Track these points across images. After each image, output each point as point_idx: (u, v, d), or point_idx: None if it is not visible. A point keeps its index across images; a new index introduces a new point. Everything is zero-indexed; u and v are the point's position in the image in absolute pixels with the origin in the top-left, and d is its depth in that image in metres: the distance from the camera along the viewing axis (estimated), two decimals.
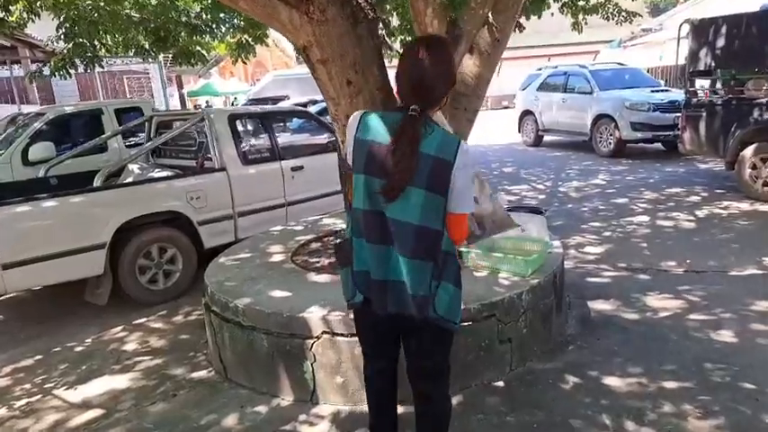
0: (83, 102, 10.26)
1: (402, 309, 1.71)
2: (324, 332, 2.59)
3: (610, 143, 9.81)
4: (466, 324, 2.60)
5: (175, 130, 4.79)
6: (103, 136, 5.51)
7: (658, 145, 9.97)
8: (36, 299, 4.63)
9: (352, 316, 2.11)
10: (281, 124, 5.46)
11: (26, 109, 9.00)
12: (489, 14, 3.04)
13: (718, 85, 7.02)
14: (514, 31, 3.30)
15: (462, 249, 3.12)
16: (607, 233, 5.37)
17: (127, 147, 6.32)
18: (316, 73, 2.74)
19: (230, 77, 28.83)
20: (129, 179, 4.82)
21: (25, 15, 6.87)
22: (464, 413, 2.51)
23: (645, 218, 5.80)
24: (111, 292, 4.07)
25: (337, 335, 2.57)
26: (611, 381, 2.73)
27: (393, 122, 1.65)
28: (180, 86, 22.57)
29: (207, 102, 23.19)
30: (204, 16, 7.11)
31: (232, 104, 21.35)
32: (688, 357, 2.94)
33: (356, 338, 2.13)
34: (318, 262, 3.41)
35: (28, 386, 3.17)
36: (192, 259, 4.41)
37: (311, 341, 2.61)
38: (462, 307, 1.85)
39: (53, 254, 3.74)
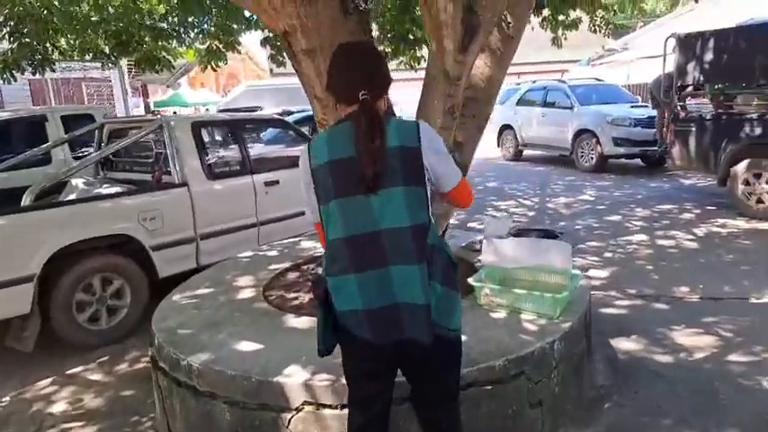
0: (25, 108, 9.36)
1: (415, 333, 1.51)
2: (306, 402, 1.98)
3: (591, 158, 9.60)
4: (490, 387, 2.04)
5: (127, 139, 4.11)
6: (44, 146, 4.76)
7: (638, 161, 9.79)
8: None
9: (343, 381, 1.71)
10: (254, 134, 4.85)
11: None
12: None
13: (706, 100, 6.81)
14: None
15: (474, 284, 2.56)
16: (608, 254, 4.95)
17: (75, 158, 5.57)
18: (300, 67, 2.17)
19: (200, 88, 27.79)
20: (72, 196, 4.10)
21: None
22: None
23: (643, 237, 5.47)
24: (39, 334, 3.34)
25: (324, 406, 1.96)
26: None
27: (346, 130, 1.53)
28: (146, 96, 21.59)
29: (174, 113, 22.19)
30: (170, 19, 6.53)
31: None
32: (746, 414, 2.45)
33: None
34: (297, 298, 2.81)
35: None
36: (142, 292, 3.72)
37: (288, 415, 1.99)
38: (485, 364, 1.75)
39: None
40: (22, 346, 3.30)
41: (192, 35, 7.09)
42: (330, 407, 1.95)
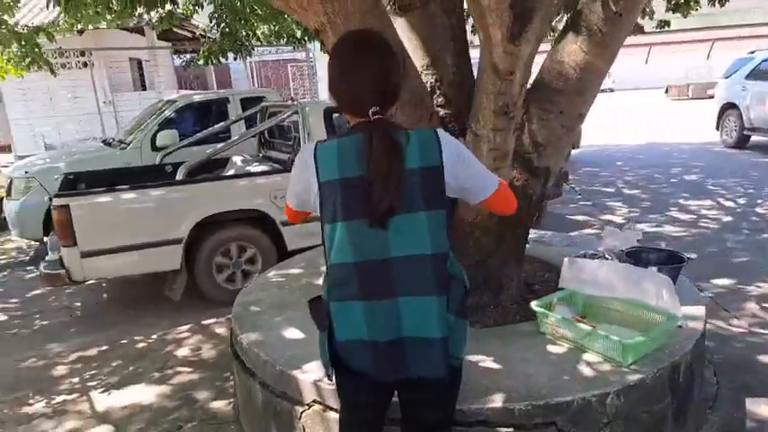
0: (213, 91, 10.83)
1: (423, 370, 1.39)
2: (315, 401, 2.01)
3: None
4: (505, 430, 1.81)
5: (268, 122, 4.54)
6: (219, 124, 5.52)
7: None
8: (128, 285, 4.76)
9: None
10: None
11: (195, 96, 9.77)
12: None
13: None
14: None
15: (537, 310, 2.26)
16: None
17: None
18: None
19: None
20: (231, 171, 4.72)
21: (191, 7, 7.34)
22: None
23: None
24: (186, 288, 3.98)
25: (330, 409, 1.97)
26: None
27: (357, 145, 1.34)
28: None
29: None
30: None
31: None
32: None
33: None
34: None
35: (76, 380, 3.16)
36: (271, 261, 4.13)
37: (300, 409, 2.05)
38: (502, 404, 1.63)
39: (131, 245, 3.74)
40: (173, 296, 3.98)
41: None
42: (335, 410, 1.95)
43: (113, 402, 2.89)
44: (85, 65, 10.23)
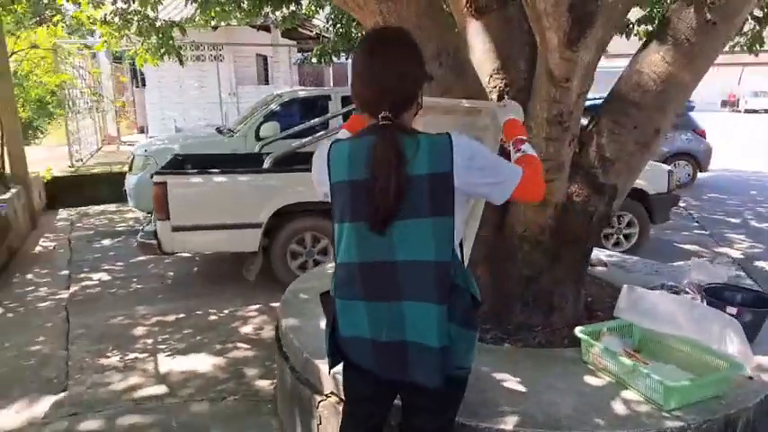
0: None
1: (419, 377, 1.37)
2: (332, 393, 2.03)
3: None
4: None
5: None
6: (317, 119, 5.76)
7: None
8: (217, 262, 5.11)
9: None
10: None
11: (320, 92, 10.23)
12: None
13: None
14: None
15: (581, 336, 2.09)
16: None
17: None
18: None
19: None
20: None
21: (312, 8, 7.75)
22: None
23: None
24: (261, 270, 4.20)
25: (343, 401, 1.97)
26: None
27: (367, 147, 1.33)
28: None
29: None
30: None
31: None
32: None
33: None
34: None
35: (149, 341, 3.48)
36: None
37: (319, 398, 2.08)
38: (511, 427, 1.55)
39: (216, 225, 4.02)
40: (248, 276, 4.22)
41: None
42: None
43: (175, 366, 3.13)
44: (216, 58, 11.21)
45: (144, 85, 12.07)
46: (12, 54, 6.93)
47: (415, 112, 1.43)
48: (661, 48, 2.05)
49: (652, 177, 5.15)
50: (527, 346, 2.31)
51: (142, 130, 12.38)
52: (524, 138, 1.59)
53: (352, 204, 1.35)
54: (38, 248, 5.70)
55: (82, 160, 9.31)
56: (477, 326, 1.44)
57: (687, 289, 2.71)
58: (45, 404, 2.75)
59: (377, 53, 1.38)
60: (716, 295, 2.37)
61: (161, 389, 2.89)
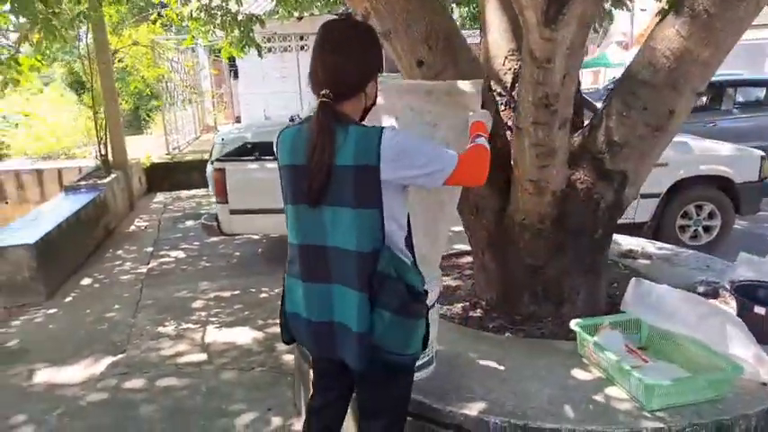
0: None
1: (345, 356, 1.43)
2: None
3: None
4: None
5: None
6: None
7: None
8: (281, 244, 5.36)
9: None
10: None
11: None
12: None
13: None
14: None
15: (576, 329, 2.01)
16: None
17: None
18: (387, 50, 2.13)
19: (635, 47, 26.09)
20: None
21: None
22: None
23: None
24: None
25: None
26: None
27: (307, 132, 1.38)
28: None
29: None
30: None
31: None
32: None
33: None
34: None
35: (203, 314, 3.80)
36: None
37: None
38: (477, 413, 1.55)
39: (269, 209, 4.24)
40: None
41: None
42: None
43: (219, 338, 3.41)
44: (302, 48, 11.64)
45: (237, 77, 12.86)
46: (115, 51, 7.72)
47: (364, 105, 1.45)
48: (677, 21, 1.88)
49: (740, 164, 4.70)
50: (529, 336, 2.25)
51: (238, 120, 13.21)
52: (482, 134, 1.59)
53: (293, 188, 1.43)
54: (132, 228, 6.37)
55: (178, 148, 10.16)
56: (419, 314, 1.43)
57: (726, 286, 2.50)
58: (105, 363, 3.13)
59: (324, 40, 1.42)
60: (748, 293, 2.16)
61: (202, 356, 3.17)
